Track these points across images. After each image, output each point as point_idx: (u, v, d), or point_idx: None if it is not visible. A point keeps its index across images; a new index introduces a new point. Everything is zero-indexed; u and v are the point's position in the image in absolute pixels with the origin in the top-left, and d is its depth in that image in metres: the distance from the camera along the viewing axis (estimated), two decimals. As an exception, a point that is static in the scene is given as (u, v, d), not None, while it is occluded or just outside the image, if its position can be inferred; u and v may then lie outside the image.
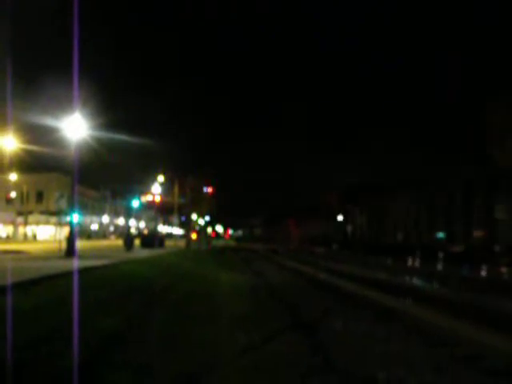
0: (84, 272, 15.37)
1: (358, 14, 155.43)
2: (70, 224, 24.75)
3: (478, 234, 29.30)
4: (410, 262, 29.36)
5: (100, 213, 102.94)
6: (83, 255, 24.18)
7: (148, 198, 61.67)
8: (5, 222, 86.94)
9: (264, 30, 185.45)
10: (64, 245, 24.55)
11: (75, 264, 17.51)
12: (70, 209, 25.87)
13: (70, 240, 23.88)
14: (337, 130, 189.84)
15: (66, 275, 13.23)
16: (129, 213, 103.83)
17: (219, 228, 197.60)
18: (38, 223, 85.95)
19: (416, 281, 19.38)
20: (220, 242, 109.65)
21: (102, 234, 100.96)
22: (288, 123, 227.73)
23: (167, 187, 61.98)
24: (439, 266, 26.15)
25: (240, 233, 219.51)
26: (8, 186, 77.55)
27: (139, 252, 33.87)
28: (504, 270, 22.59)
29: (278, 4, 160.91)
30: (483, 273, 22.16)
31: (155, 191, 59.51)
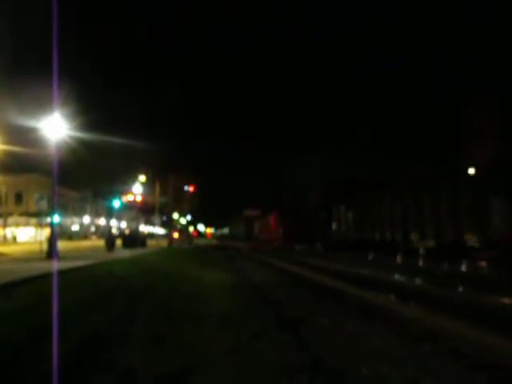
0: (66, 273, 15.28)
1: (358, 14, 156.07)
2: (51, 225, 24.57)
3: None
4: (392, 258, 30.06)
5: (81, 213, 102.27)
6: (65, 256, 24.02)
7: (129, 197, 61.38)
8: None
9: (263, 29, 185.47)
10: (45, 246, 24.38)
11: (57, 265, 17.39)
12: (51, 210, 25.68)
13: (51, 241, 23.71)
14: (334, 130, 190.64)
15: (48, 277, 13.13)
16: (110, 213, 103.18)
17: (201, 227, 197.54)
18: (17, 225, 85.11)
19: (395, 276, 19.59)
20: (202, 241, 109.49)
21: (84, 234, 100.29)
22: (282, 121, 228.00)
23: (148, 187, 61.77)
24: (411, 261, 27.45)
25: (224, 231, 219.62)
26: (-14, 188, 76.73)
27: (121, 252, 33.72)
28: (483, 264, 23.07)
29: (277, 4, 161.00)
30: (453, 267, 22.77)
31: (136, 191, 59.27)
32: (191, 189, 70.42)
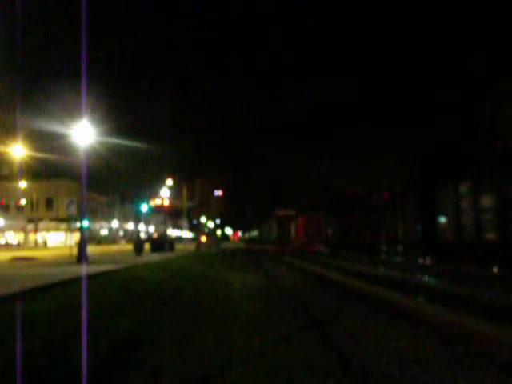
0: (95, 277, 15.45)
1: (358, 14, 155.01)
2: (80, 230, 24.87)
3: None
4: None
5: (109, 218, 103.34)
6: (94, 260, 24.29)
7: (157, 201, 61.88)
8: (15, 230, 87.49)
9: (263, 30, 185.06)
10: (75, 251, 24.68)
11: (86, 270, 17.60)
12: (80, 215, 25.99)
13: (81, 246, 24.00)
14: (338, 131, 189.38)
15: (77, 281, 13.30)
16: (138, 217, 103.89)
17: (229, 230, 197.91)
18: (48, 230, 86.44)
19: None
20: (230, 245, 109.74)
21: (112, 238, 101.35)
22: (292, 123, 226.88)
23: (176, 191, 62.20)
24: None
25: (252, 234, 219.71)
26: (18, 194, 78.04)
27: (149, 256, 33.96)
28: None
29: (277, 4, 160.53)
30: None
31: (164, 195, 59.73)
32: (220, 193, 70.79)
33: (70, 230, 42.31)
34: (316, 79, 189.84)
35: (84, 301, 8.71)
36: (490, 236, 23.94)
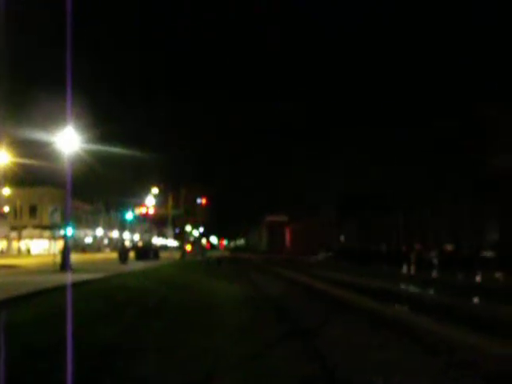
0: (79, 286, 15.33)
1: (357, 14, 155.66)
2: (64, 238, 24.70)
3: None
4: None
5: (94, 226, 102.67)
6: (78, 269, 24.10)
7: (142, 210, 61.64)
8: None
9: (261, 30, 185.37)
10: (58, 259, 24.46)
11: (70, 278, 17.46)
12: (64, 222, 25.81)
13: (65, 254, 23.82)
14: (334, 133, 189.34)
15: (61, 289, 13.19)
16: (123, 225, 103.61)
17: (214, 239, 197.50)
18: (31, 237, 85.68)
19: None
20: (215, 253, 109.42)
21: (97, 247, 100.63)
22: (286, 125, 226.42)
23: (161, 199, 61.98)
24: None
25: (238, 243, 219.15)
26: (1, 201, 77.28)
27: (134, 264, 33.78)
28: None
29: (275, 4, 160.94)
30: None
31: (149, 203, 59.52)
32: (203, 201, 70.63)
33: (53, 237, 42.01)
34: (313, 79, 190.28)
35: (68, 309, 8.64)
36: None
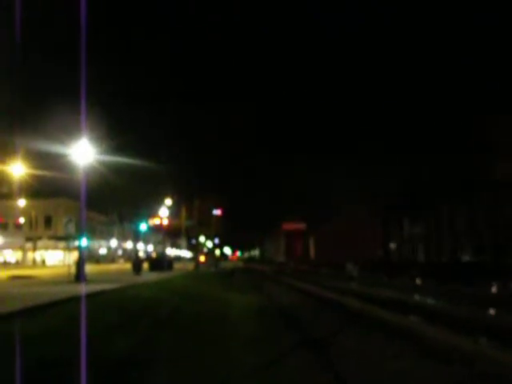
0: (93, 296, 15.40)
1: (359, 14, 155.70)
2: (79, 249, 24.84)
3: None
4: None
5: (108, 237, 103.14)
6: (92, 279, 24.21)
7: (156, 221, 61.79)
8: (14, 248, 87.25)
9: (265, 31, 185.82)
10: (73, 269, 24.59)
11: (84, 289, 17.55)
12: (79, 233, 25.97)
13: (79, 265, 23.95)
14: (339, 137, 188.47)
15: (75, 300, 13.27)
16: (137, 236, 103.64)
17: (227, 250, 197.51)
18: (46, 248, 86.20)
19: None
20: (228, 264, 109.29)
21: (111, 258, 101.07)
22: (296, 131, 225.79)
23: (175, 210, 62.16)
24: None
25: (252, 254, 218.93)
26: (16, 212, 77.92)
27: (148, 275, 33.86)
28: None
29: (277, 4, 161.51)
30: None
31: (163, 214, 59.68)
32: (219, 212, 70.77)
33: (68, 248, 42.24)
34: (315, 81, 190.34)
35: (83, 320, 8.71)
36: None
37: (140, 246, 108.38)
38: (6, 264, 76.48)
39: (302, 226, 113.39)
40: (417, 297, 19.82)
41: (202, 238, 77.20)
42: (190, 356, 7.32)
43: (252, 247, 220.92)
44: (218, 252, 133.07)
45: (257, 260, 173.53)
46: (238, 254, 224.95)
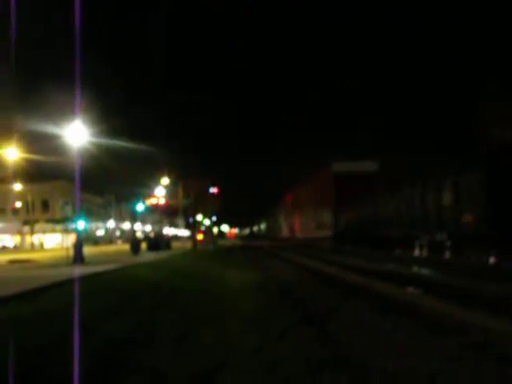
0: (92, 278, 15.41)
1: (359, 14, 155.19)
2: (76, 231, 24.83)
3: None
4: None
5: (105, 218, 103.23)
6: (91, 261, 24.24)
7: (152, 201, 61.87)
8: (12, 232, 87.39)
9: (265, 26, 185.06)
10: (71, 252, 24.62)
11: (83, 270, 17.56)
12: (76, 216, 25.94)
13: (77, 247, 23.96)
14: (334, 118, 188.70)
15: (74, 282, 13.25)
16: (134, 217, 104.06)
17: (225, 227, 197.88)
18: (44, 232, 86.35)
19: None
20: (226, 242, 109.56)
21: (109, 239, 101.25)
22: (291, 115, 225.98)
23: (171, 189, 62.06)
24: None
25: (250, 230, 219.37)
26: (13, 197, 77.87)
27: (146, 255, 33.94)
28: None
29: (278, 3, 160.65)
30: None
31: (159, 194, 59.65)
32: (215, 190, 70.71)
33: (66, 231, 42.24)
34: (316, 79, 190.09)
35: (76, 303, 8.68)
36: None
37: (137, 226, 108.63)
38: (4, 248, 76.60)
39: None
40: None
41: (199, 217, 77.23)
42: (189, 336, 7.30)
43: (252, 223, 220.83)
44: (215, 230, 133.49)
45: (254, 237, 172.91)
46: (236, 231, 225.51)
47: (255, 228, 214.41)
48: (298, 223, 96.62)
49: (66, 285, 13.09)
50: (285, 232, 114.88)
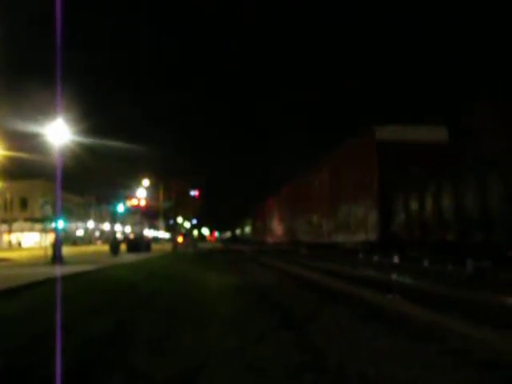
0: (70, 278, 15.30)
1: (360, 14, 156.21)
2: (55, 230, 24.62)
3: None
4: None
5: (85, 218, 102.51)
6: (69, 261, 24.05)
7: (133, 202, 61.48)
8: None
9: (259, 26, 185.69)
10: (50, 251, 24.42)
11: (61, 270, 17.41)
12: (55, 215, 25.73)
13: (56, 246, 23.76)
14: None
15: (52, 282, 13.15)
16: (114, 218, 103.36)
17: (206, 231, 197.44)
18: (22, 230, 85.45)
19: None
20: (207, 245, 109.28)
21: (88, 239, 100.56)
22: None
23: (152, 191, 61.82)
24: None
25: (232, 234, 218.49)
26: (-9, 194, 76.93)
27: (126, 257, 33.75)
28: None
29: (278, 2, 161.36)
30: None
31: (140, 195, 59.38)
32: (196, 193, 70.51)
33: (44, 230, 41.87)
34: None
35: (58, 302, 8.61)
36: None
37: (117, 227, 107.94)
38: (-19, 247, 75.66)
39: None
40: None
41: (179, 219, 76.97)
42: (168, 337, 7.28)
43: (234, 226, 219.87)
44: (195, 233, 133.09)
45: (235, 240, 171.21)
46: (216, 234, 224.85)
47: (238, 231, 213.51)
48: (299, 223, 71.19)
49: (44, 285, 12.99)
50: (278, 234, 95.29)
